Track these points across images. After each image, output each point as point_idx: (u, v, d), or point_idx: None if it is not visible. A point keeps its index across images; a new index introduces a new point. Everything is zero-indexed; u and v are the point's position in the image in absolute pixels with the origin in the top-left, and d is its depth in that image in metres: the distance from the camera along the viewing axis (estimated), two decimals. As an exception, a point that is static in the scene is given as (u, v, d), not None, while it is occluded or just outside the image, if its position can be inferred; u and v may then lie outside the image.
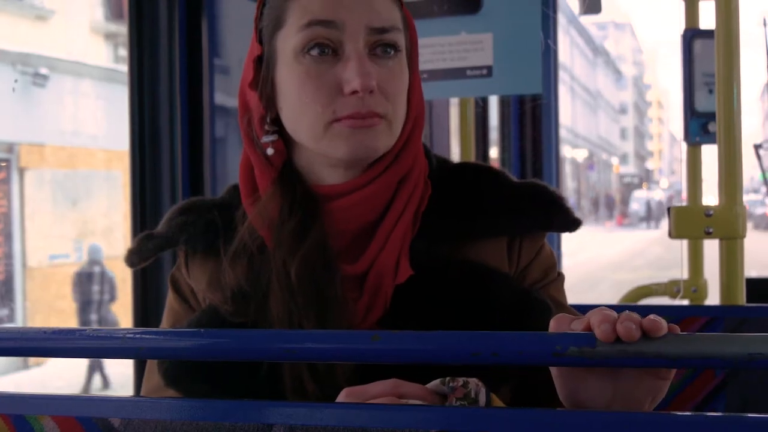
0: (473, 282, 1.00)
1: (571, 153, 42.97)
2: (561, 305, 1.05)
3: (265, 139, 1.01)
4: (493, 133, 3.42)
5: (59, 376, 7.27)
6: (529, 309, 1.00)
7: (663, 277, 2.65)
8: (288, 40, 0.98)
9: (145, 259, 1.09)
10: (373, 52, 0.98)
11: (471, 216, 1.03)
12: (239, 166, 1.05)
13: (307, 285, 0.97)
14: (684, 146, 2.57)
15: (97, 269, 7.58)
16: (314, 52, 0.96)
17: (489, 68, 1.81)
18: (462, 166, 1.11)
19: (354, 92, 0.94)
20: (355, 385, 0.87)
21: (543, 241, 1.08)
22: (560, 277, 1.09)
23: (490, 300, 0.99)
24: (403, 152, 1.01)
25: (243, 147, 1.05)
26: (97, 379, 7.26)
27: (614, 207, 48.58)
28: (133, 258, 1.09)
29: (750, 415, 0.67)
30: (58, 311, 8.51)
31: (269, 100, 1.01)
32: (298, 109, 0.98)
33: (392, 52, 0.98)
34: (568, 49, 41.34)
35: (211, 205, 1.09)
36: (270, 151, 1.01)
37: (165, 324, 1.11)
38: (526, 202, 1.05)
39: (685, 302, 2.49)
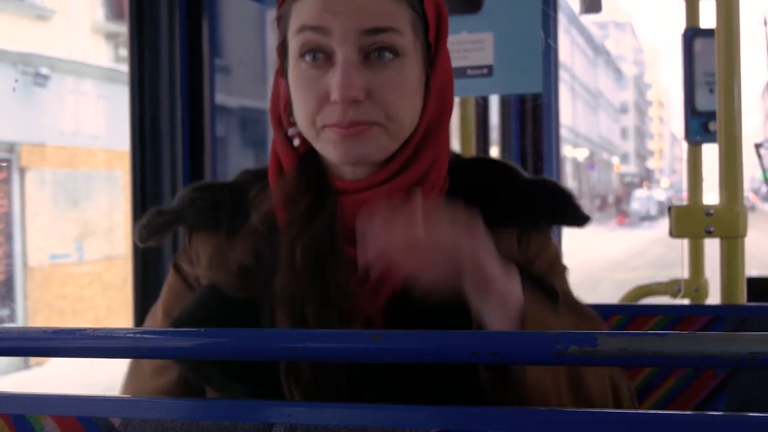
0: None
1: (571, 152, 42.97)
2: (567, 294, 1.06)
3: (292, 131, 1.02)
4: (494, 133, 3.41)
5: (59, 376, 7.27)
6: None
7: (664, 276, 2.64)
8: (291, 43, 0.99)
9: (154, 234, 1.09)
10: (368, 57, 0.95)
11: (484, 208, 1.02)
12: (271, 146, 1.06)
13: (311, 266, 0.97)
14: (685, 145, 2.57)
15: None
16: (308, 57, 0.96)
17: (489, 67, 1.81)
18: (476, 160, 1.12)
19: (337, 101, 0.94)
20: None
21: (550, 235, 1.09)
22: (565, 270, 1.10)
23: None
24: (417, 159, 1.00)
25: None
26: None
27: (621, 206, 48.62)
28: (142, 232, 1.09)
29: (751, 414, 0.67)
30: (58, 311, 8.52)
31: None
32: (297, 112, 0.99)
33: (389, 56, 0.95)
34: (568, 48, 41.32)
35: (223, 186, 1.11)
36: (296, 141, 1.02)
37: (160, 302, 1.12)
38: (537, 197, 1.06)
39: (686, 301, 2.49)
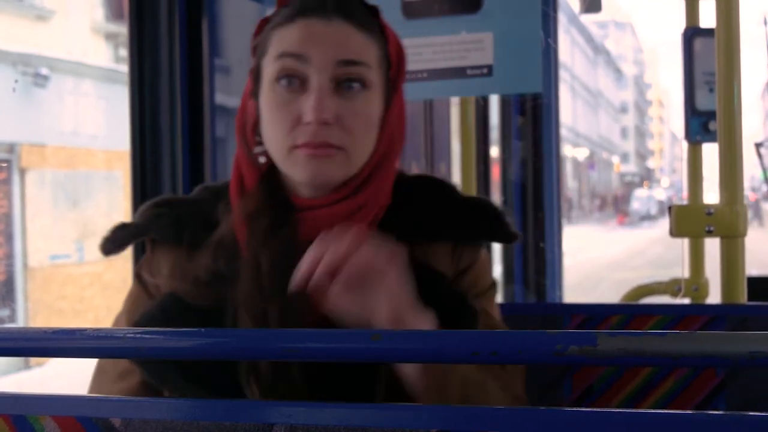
0: (414, 280, 1.04)
1: (571, 152, 42.99)
2: (487, 314, 1.14)
3: (258, 149, 1.11)
4: (494, 133, 3.42)
5: (59, 376, 7.27)
6: (457, 309, 1.09)
7: (664, 276, 2.64)
8: (267, 68, 1.08)
9: (118, 246, 1.16)
10: (339, 86, 1.05)
11: (421, 222, 1.13)
12: (233, 163, 1.14)
13: (273, 275, 1.04)
14: (685, 145, 2.57)
15: None
16: (284, 82, 1.05)
17: (489, 67, 1.81)
18: (417, 178, 1.21)
19: (310, 122, 1.03)
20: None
21: (482, 251, 1.18)
22: (492, 288, 1.19)
23: (427, 298, 1.03)
24: (370, 182, 1.09)
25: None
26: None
27: (621, 205, 48.62)
28: (107, 245, 1.17)
29: (751, 414, 0.67)
30: (58, 312, 8.51)
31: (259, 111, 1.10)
32: (268, 133, 1.08)
33: (357, 87, 1.05)
34: (568, 48, 41.34)
35: (183, 202, 1.19)
36: (262, 159, 1.11)
37: (123, 311, 1.18)
38: (470, 214, 1.16)
39: (686, 301, 2.49)
